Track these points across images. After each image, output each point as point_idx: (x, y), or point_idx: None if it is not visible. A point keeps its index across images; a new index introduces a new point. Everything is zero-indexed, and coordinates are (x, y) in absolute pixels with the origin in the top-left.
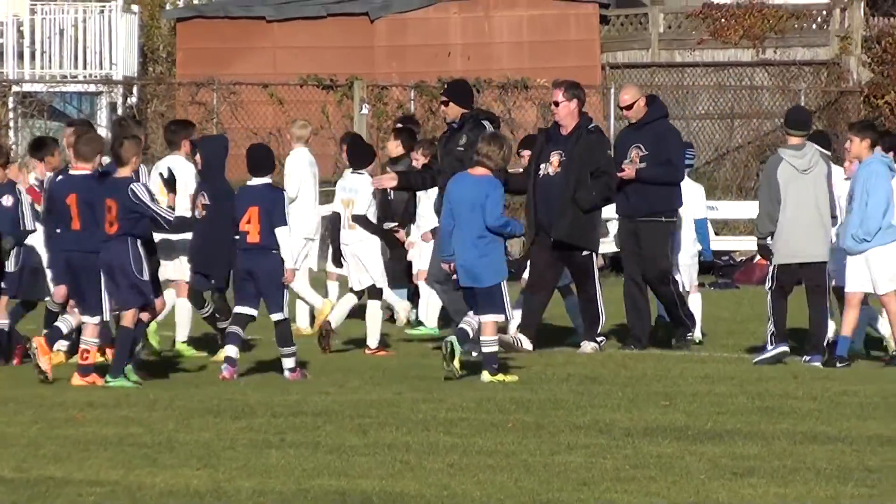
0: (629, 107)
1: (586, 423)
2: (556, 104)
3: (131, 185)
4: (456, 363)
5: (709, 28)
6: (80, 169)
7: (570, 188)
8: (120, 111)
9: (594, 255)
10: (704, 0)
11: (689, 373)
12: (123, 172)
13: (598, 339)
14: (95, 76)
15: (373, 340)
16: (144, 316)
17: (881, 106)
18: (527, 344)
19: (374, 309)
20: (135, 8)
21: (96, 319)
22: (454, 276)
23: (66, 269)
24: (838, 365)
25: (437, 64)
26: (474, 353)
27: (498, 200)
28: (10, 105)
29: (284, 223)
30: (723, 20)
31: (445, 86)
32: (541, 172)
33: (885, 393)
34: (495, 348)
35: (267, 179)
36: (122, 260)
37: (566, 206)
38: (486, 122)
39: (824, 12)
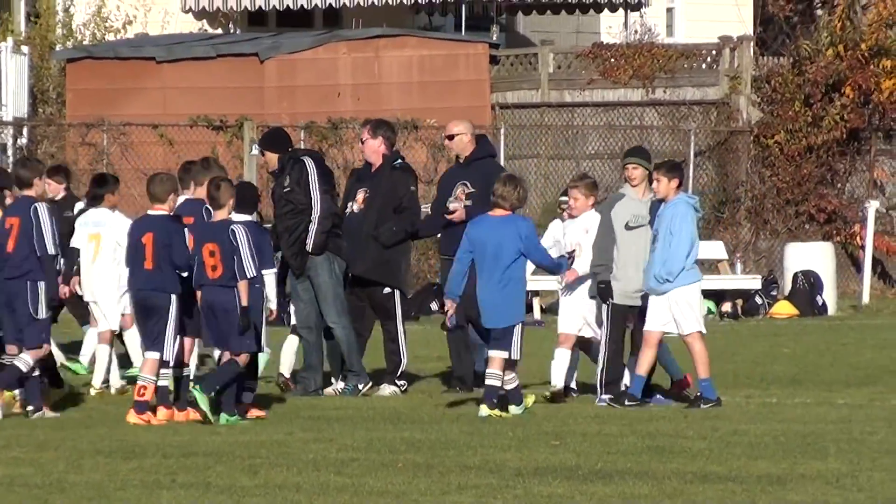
0: (451, 137)
1: (477, 463)
2: (363, 142)
3: (231, 227)
4: (496, 411)
5: (598, 68)
6: (157, 209)
7: (371, 224)
8: (10, 152)
9: (397, 292)
10: (594, 40)
11: (578, 412)
12: (221, 215)
13: (399, 382)
14: None
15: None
16: (242, 359)
17: (771, 146)
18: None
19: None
20: (24, 49)
21: (156, 356)
22: (449, 316)
23: (137, 309)
24: (627, 403)
25: (327, 104)
26: (360, 386)
27: (535, 240)
28: None
29: (272, 265)
30: (612, 60)
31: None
32: (347, 210)
33: (774, 432)
34: (497, 383)
35: (251, 217)
36: (228, 305)
37: (368, 242)
38: (304, 158)
39: (714, 52)
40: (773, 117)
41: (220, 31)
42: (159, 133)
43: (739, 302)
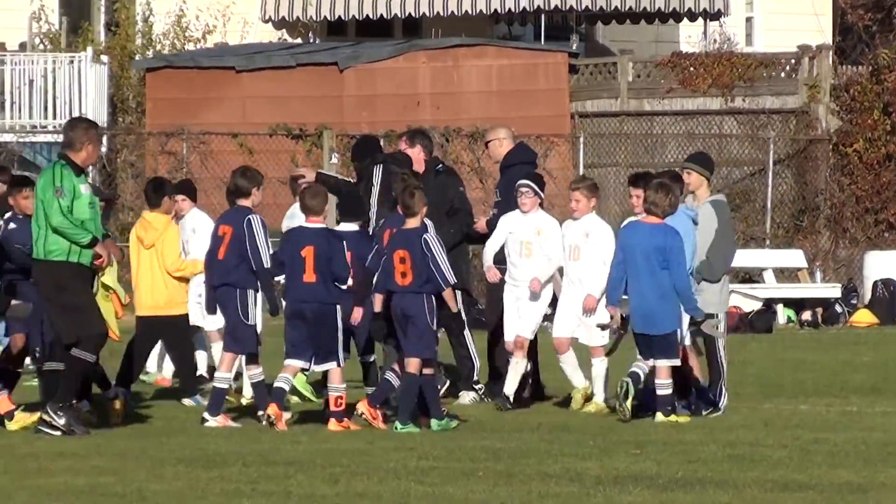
0: (486, 145)
1: (557, 471)
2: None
3: (423, 236)
4: (628, 403)
5: (677, 77)
6: (314, 222)
7: None
8: None
9: (459, 295)
10: (673, 49)
11: (659, 421)
12: (413, 223)
13: (477, 386)
14: None
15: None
16: (427, 370)
17: (850, 154)
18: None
19: None
20: (104, 58)
21: (333, 364)
22: (612, 323)
23: (293, 320)
24: (703, 413)
25: (406, 113)
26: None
27: (680, 256)
28: None
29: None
30: (691, 69)
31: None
32: None
33: (855, 440)
34: (670, 391)
35: (356, 226)
36: (416, 311)
37: None
38: (374, 167)
39: (793, 61)
40: (851, 126)
41: (299, 40)
42: (239, 142)
43: (819, 310)
